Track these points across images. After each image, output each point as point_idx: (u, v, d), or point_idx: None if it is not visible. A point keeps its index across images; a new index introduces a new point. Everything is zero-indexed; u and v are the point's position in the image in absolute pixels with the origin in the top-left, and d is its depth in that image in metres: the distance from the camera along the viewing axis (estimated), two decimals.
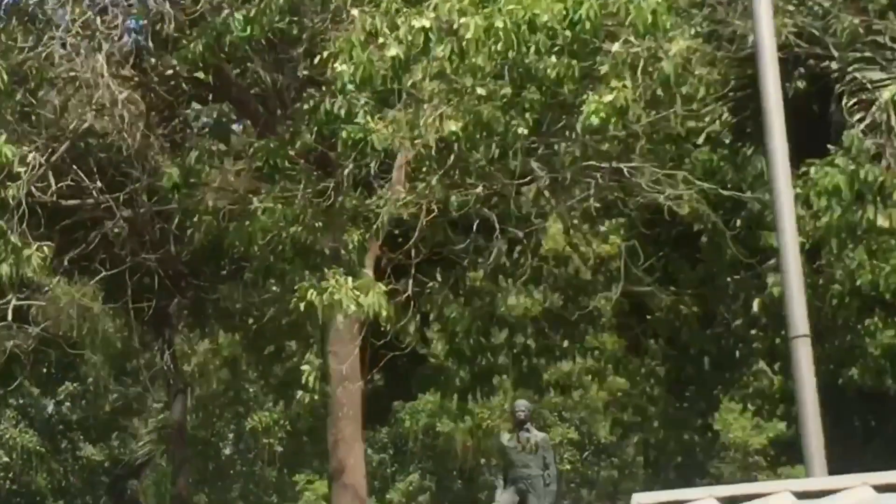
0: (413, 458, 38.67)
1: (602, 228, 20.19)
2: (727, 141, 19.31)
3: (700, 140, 18.67)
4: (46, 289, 18.87)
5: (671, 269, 20.66)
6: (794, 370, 12.46)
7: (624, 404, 25.44)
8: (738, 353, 21.37)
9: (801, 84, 18.13)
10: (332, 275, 15.57)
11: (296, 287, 15.94)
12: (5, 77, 16.56)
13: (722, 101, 18.02)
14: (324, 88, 17.83)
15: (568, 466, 35.69)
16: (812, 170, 16.87)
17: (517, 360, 21.85)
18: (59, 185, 18.29)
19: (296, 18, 16.77)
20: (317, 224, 16.83)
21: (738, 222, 19.66)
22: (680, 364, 21.62)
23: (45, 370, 22.34)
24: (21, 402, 28.16)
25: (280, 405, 35.01)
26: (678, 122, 16.27)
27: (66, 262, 19.17)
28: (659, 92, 16.16)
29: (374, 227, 16.19)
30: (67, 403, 35.22)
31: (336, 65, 15.20)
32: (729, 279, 20.40)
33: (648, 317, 21.14)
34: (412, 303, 16.79)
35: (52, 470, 37.28)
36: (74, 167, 18.94)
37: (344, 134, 16.01)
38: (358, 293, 15.39)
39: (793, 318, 12.46)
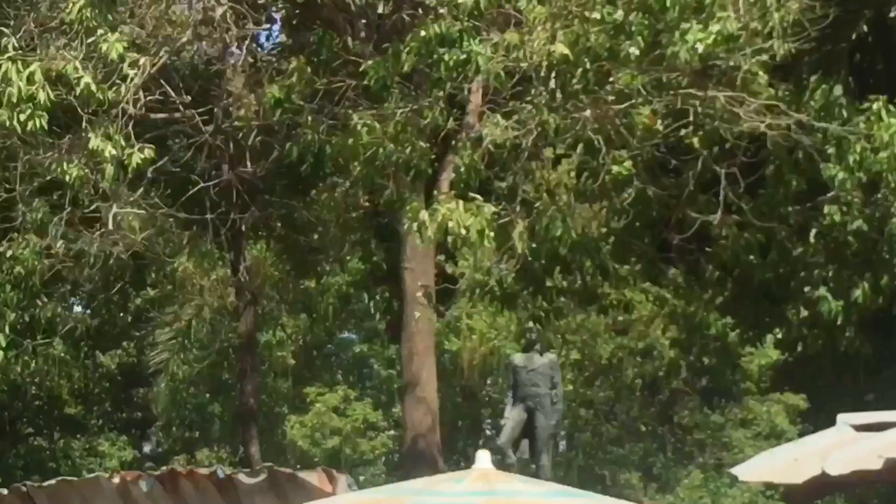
0: None
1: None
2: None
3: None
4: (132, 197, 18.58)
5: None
6: None
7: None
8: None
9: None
10: (444, 196, 15.36)
11: (407, 207, 15.71)
12: None
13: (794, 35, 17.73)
14: (419, 11, 17.64)
15: (570, 387, 35.61)
16: (875, 105, 16.68)
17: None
18: (148, 98, 17.95)
19: None
20: (418, 143, 16.50)
21: (801, 154, 19.45)
22: (739, 291, 21.45)
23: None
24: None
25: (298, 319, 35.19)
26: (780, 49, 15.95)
27: (149, 173, 18.86)
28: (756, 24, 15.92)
29: (481, 149, 15.89)
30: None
31: None
32: (790, 209, 20.21)
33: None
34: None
35: (71, 376, 37.02)
36: (162, 81, 18.64)
37: (447, 56, 15.69)
38: (467, 217, 15.16)
39: None
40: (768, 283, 20.57)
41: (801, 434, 28.50)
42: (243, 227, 22.59)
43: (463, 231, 15.24)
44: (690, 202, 18.91)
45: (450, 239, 15.65)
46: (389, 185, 17.12)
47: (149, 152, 16.56)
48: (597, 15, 14.90)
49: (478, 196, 15.59)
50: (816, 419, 27.43)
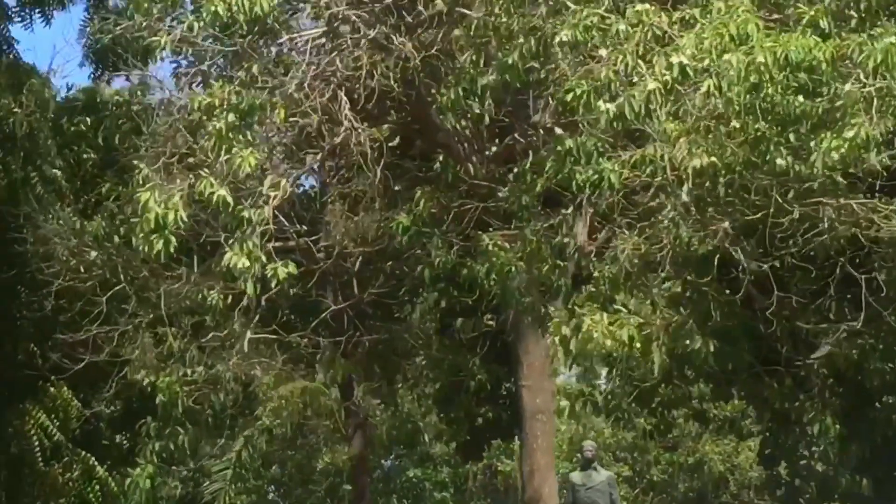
0: (472, 497, 38.37)
1: None
2: None
3: None
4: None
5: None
6: None
7: None
8: None
9: None
10: (585, 310, 14.91)
11: (549, 323, 15.29)
12: None
13: None
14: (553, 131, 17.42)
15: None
16: None
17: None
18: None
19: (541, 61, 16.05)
20: (556, 261, 16.11)
21: None
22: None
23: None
24: None
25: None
26: None
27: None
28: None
29: (620, 263, 15.44)
30: None
31: (599, 102, 14.53)
32: None
33: None
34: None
35: None
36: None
37: (580, 175, 15.34)
38: (613, 329, 14.73)
39: None
40: None
41: None
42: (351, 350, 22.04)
43: (608, 343, 14.75)
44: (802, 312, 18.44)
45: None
46: (528, 302, 16.58)
47: (293, 267, 16.17)
48: (736, 124, 14.43)
49: (622, 308, 15.10)
50: None
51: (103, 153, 22.84)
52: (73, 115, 20.56)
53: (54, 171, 22.08)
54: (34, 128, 20.76)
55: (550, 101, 17.92)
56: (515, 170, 17.38)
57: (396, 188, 19.12)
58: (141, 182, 16.28)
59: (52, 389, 23.50)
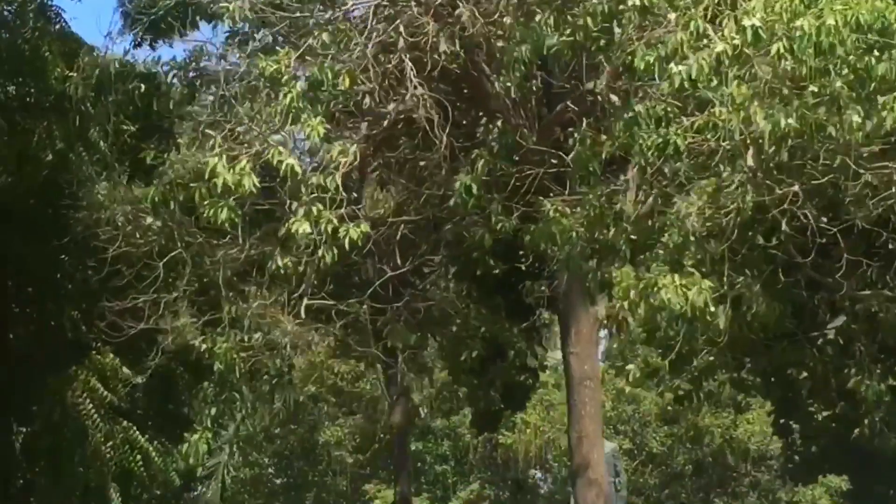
0: (473, 469, 38.29)
1: None
2: None
3: None
4: None
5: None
6: None
7: None
8: None
9: None
10: (654, 270, 14.55)
11: (615, 282, 14.90)
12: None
13: None
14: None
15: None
16: None
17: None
18: None
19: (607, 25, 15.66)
20: (622, 225, 15.75)
21: None
22: None
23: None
24: None
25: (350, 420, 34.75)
26: None
27: None
28: None
29: (687, 228, 15.07)
30: None
31: (671, 65, 14.15)
32: None
33: None
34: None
35: None
36: None
37: (647, 140, 14.96)
38: (687, 291, 14.35)
39: None
40: None
41: None
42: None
43: (678, 307, 14.39)
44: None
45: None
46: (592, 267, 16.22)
47: (365, 227, 15.82)
48: (813, 88, 14.07)
49: (694, 271, 14.74)
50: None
51: (142, 122, 22.48)
52: (125, 82, 20.12)
53: (100, 140, 21.73)
54: (83, 96, 20.36)
55: (607, 67, 17.49)
56: (576, 135, 16.97)
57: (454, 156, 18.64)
58: (204, 147, 15.85)
59: (98, 357, 23.16)
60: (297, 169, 15.47)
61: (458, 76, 18.83)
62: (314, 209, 15.63)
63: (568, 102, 18.62)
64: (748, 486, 35.53)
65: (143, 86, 21.15)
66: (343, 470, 36.44)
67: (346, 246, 15.62)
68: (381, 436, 37.15)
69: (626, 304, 14.82)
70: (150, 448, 24.08)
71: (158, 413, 24.61)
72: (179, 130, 22.51)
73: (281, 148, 15.41)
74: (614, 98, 17.95)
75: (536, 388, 33.77)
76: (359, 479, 36.80)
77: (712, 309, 14.41)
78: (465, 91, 19.27)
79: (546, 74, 18.21)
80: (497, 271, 21.91)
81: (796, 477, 34.78)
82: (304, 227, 15.69)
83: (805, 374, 22.77)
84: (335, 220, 15.52)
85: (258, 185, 15.48)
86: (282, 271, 16.31)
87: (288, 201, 15.97)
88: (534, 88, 19.07)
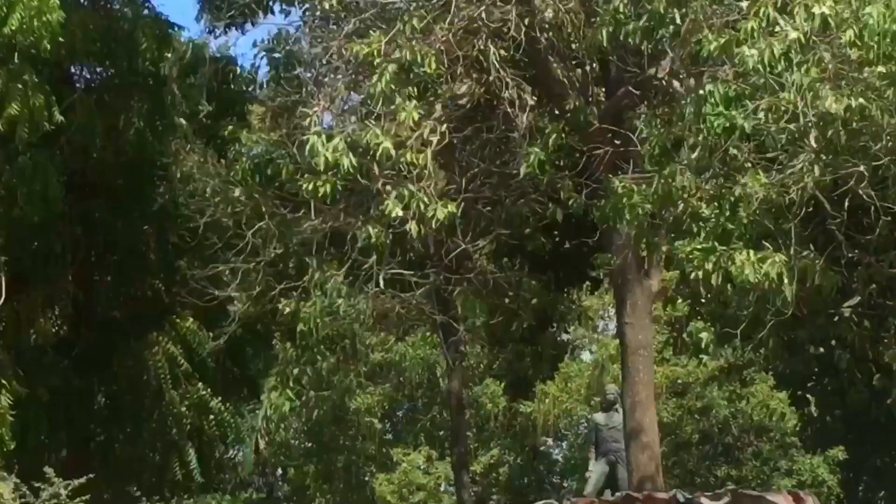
0: (493, 436, 38.33)
1: None
2: None
3: None
4: None
5: None
6: None
7: None
8: None
9: None
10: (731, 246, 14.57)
11: (691, 257, 14.91)
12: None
13: None
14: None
15: None
16: None
17: None
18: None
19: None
20: (691, 202, 15.71)
21: None
22: None
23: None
24: None
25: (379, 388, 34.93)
26: None
27: None
28: None
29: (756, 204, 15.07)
30: None
31: (744, 48, 14.18)
32: None
33: None
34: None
35: None
36: None
37: (715, 122, 14.96)
38: (762, 265, 14.38)
39: None
40: None
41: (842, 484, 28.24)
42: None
43: (752, 278, 14.43)
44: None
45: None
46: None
47: (453, 206, 15.87)
48: (881, 69, 14.08)
49: (768, 245, 14.77)
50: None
51: (217, 102, 22.56)
52: (206, 64, 20.19)
53: (180, 119, 21.85)
54: (167, 76, 20.46)
55: (670, 53, 17.49)
56: (641, 117, 16.99)
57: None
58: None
59: (177, 322, 23.30)
60: (392, 152, 15.51)
61: (524, 60, 18.85)
62: (405, 191, 15.71)
63: (629, 87, 18.62)
64: (750, 456, 35.49)
65: (220, 68, 21.26)
66: (372, 435, 36.62)
67: (433, 225, 15.67)
68: (408, 403, 37.51)
69: (699, 276, 14.81)
70: (223, 409, 24.17)
71: (227, 377, 24.72)
72: (251, 109, 22.68)
73: (377, 130, 15.45)
74: (676, 84, 17.99)
75: (564, 360, 34.03)
76: (387, 445, 37.01)
77: (785, 281, 14.40)
78: (527, 75, 19.29)
79: (607, 60, 18.18)
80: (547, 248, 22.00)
81: (809, 447, 34.89)
82: (398, 210, 15.82)
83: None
84: (425, 200, 15.57)
85: (355, 164, 15.54)
86: (371, 241, 16.35)
87: (378, 179, 16.01)
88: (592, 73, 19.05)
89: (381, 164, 15.82)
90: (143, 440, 23.79)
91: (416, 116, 15.51)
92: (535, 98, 19.22)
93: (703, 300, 21.89)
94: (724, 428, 34.04)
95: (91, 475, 16.83)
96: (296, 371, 18.35)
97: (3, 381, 20.15)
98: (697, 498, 11.67)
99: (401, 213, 15.74)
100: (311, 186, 15.82)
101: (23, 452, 20.23)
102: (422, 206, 15.53)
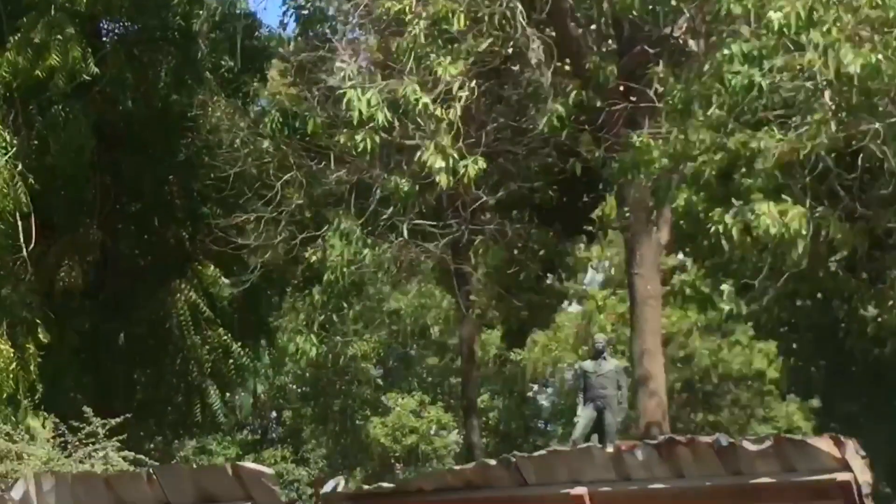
0: (483, 382, 38.43)
1: None
2: None
3: None
4: None
5: None
6: None
7: None
8: None
9: None
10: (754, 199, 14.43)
11: (711, 213, 14.78)
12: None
13: None
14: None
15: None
16: None
17: None
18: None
19: None
20: (711, 156, 15.54)
21: None
22: None
23: None
24: None
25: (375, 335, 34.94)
26: None
27: None
28: None
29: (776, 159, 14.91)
30: None
31: (770, 11, 14.01)
32: None
33: None
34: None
35: None
36: None
37: (734, 80, 14.77)
38: (783, 219, 14.24)
39: None
40: None
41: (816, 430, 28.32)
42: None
43: (774, 231, 14.29)
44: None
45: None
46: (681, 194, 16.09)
47: (482, 163, 15.67)
48: None
49: (787, 198, 14.63)
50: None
51: (241, 57, 22.27)
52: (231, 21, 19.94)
53: (206, 73, 21.62)
54: (196, 31, 20.21)
55: (686, 13, 17.28)
56: (659, 74, 16.78)
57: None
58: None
59: (200, 269, 23.10)
60: (431, 107, 15.30)
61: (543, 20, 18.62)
62: (442, 143, 15.52)
63: (645, 46, 18.42)
64: (729, 403, 35.57)
65: (245, 25, 20.99)
66: (367, 380, 36.64)
67: (465, 179, 15.49)
68: (403, 350, 37.50)
69: (720, 228, 14.68)
70: (242, 353, 24.01)
71: (245, 322, 24.54)
72: (271, 64, 22.41)
73: (415, 86, 15.23)
74: (692, 42, 17.79)
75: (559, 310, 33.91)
76: (380, 389, 37.09)
77: (804, 233, 14.27)
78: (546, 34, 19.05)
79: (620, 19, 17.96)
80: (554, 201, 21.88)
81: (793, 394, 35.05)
82: (439, 161, 15.63)
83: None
84: (455, 154, 15.39)
85: (389, 118, 15.33)
86: (400, 191, 16.18)
87: (414, 133, 15.79)
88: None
89: (420, 118, 15.60)
90: (166, 382, 23.61)
91: (454, 71, 15.28)
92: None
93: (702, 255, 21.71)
94: (704, 377, 34.13)
95: (121, 417, 16.66)
96: (321, 318, 18.18)
97: (38, 322, 19.96)
98: (740, 442, 11.53)
99: (442, 165, 15.55)
100: (348, 140, 15.60)
101: (55, 394, 20.05)
102: (453, 161, 15.32)
